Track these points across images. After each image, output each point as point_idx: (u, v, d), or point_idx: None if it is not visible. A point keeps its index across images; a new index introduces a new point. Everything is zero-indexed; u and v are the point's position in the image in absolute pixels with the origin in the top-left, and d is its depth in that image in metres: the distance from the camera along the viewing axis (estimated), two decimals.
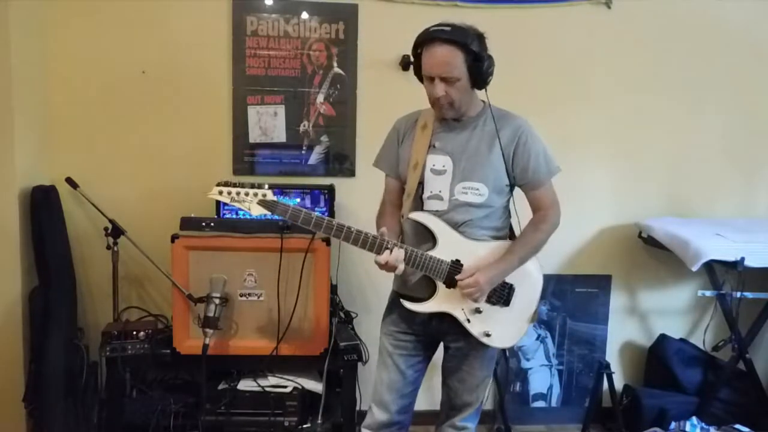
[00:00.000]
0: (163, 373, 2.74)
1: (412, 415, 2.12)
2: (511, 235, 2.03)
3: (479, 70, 1.84)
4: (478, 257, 1.91)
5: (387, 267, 1.84)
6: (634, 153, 3.13)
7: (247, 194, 1.82)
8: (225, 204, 2.63)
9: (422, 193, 1.94)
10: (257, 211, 1.83)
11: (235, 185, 1.83)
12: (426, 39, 1.83)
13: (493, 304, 1.94)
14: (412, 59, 1.91)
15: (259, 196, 1.82)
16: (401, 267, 1.84)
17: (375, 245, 1.83)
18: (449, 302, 1.92)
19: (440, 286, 1.92)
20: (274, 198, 1.83)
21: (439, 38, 1.80)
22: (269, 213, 1.83)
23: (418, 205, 1.95)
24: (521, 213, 2.01)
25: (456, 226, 1.91)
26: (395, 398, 2.03)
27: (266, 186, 1.84)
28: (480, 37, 1.85)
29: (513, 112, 1.98)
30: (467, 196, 1.91)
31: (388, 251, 1.82)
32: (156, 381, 2.72)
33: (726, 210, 3.20)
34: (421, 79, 1.92)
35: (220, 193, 1.84)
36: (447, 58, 1.80)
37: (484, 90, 1.91)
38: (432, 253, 1.89)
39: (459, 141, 1.93)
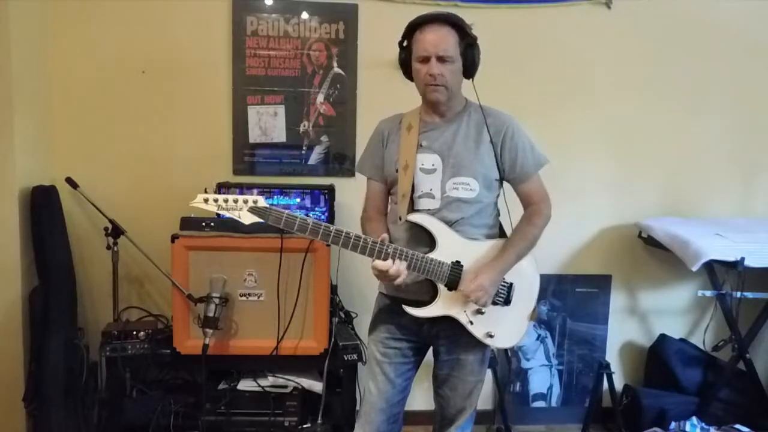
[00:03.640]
0: (163, 373, 2.74)
1: (402, 425, 2.08)
2: (501, 233, 2.01)
3: (472, 57, 1.87)
4: (477, 258, 1.89)
5: (386, 275, 1.79)
6: (634, 153, 3.13)
7: (236, 201, 1.68)
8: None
9: (413, 192, 1.91)
10: (249, 220, 1.70)
11: (221, 192, 1.69)
12: (423, 20, 1.85)
13: (495, 303, 1.92)
14: (403, 43, 1.91)
15: (250, 203, 1.69)
16: (402, 278, 1.80)
17: (375, 251, 1.78)
18: (451, 305, 1.89)
19: (441, 289, 1.88)
20: (266, 204, 1.71)
21: (437, 19, 1.84)
22: (262, 221, 1.71)
23: (412, 205, 1.91)
24: (512, 210, 1.99)
25: (450, 224, 1.89)
26: (384, 408, 1.98)
27: (255, 191, 1.72)
28: (470, 28, 1.88)
29: (499, 109, 1.97)
30: (458, 192, 1.89)
31: (390, 260, 1.77)
32: (156, 381, 2.72)
33: (726, 210, 3.20)
34: (406, 71, 1.93)
35: (206, 201, 1.69)
36: (445, 37, 1.82)
37: (472, 84, 1.92)
38: (432, 255, 1.85)
39: (446, 138, 1.92)
